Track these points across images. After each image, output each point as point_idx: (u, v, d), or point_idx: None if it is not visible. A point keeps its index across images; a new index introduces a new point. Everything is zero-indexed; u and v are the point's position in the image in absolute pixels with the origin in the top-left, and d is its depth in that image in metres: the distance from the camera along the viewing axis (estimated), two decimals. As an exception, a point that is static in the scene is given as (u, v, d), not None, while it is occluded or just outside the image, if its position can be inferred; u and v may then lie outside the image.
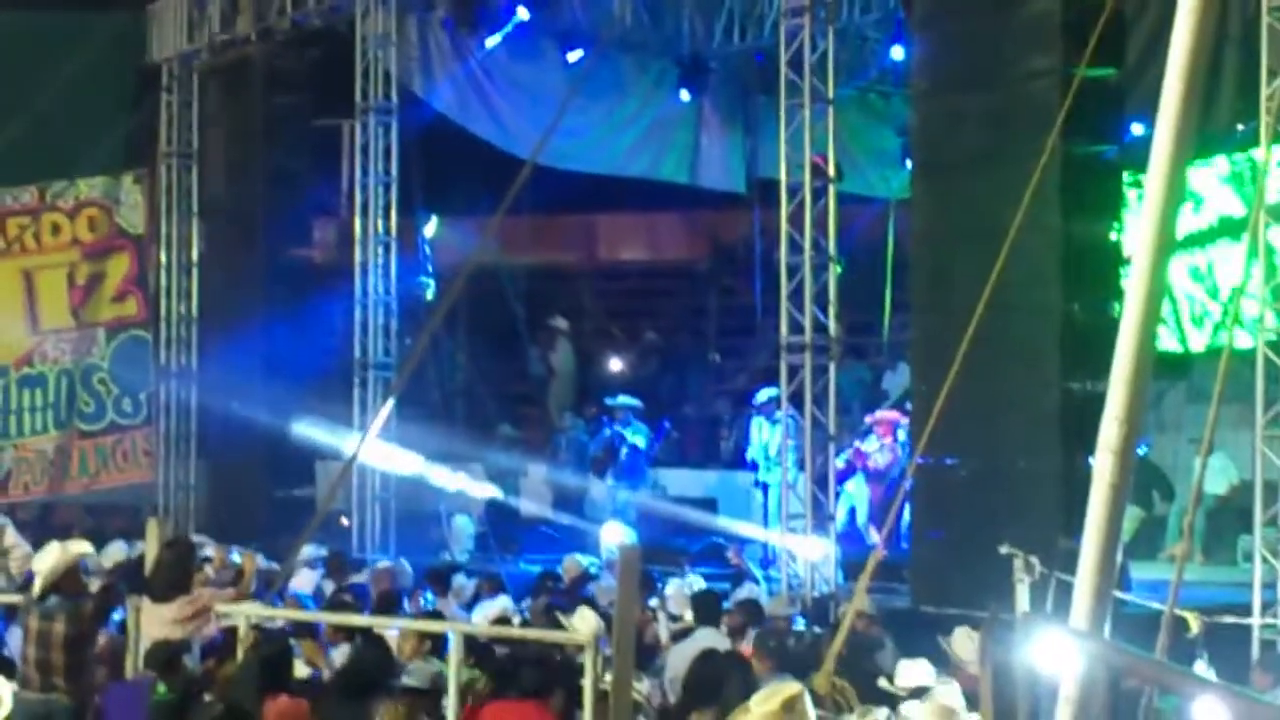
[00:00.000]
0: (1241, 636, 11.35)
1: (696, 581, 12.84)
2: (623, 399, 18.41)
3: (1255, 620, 11.58)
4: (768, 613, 11.60)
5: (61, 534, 11.99)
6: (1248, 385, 11.89)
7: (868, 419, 16.74)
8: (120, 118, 19.99)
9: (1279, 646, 11.52)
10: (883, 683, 8.30)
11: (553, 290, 23.76)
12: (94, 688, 9.10)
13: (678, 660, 9.88)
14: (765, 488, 16.05)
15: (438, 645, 9.20)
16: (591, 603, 10.81)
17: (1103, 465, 4.55)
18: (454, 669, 8.11)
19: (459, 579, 13.14)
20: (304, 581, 12.27)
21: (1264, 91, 11.70)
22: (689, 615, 11.05)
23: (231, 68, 18.80)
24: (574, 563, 13.52)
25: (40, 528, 16.07)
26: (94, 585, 10.21)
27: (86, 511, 18.66)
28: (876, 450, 16.23)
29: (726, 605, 11.41)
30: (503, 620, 10.42)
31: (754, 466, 16.59)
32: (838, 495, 16.24)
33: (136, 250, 19.24)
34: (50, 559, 9.27)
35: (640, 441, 17.86)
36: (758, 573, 14.83)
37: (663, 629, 11.08)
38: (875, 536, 16.03)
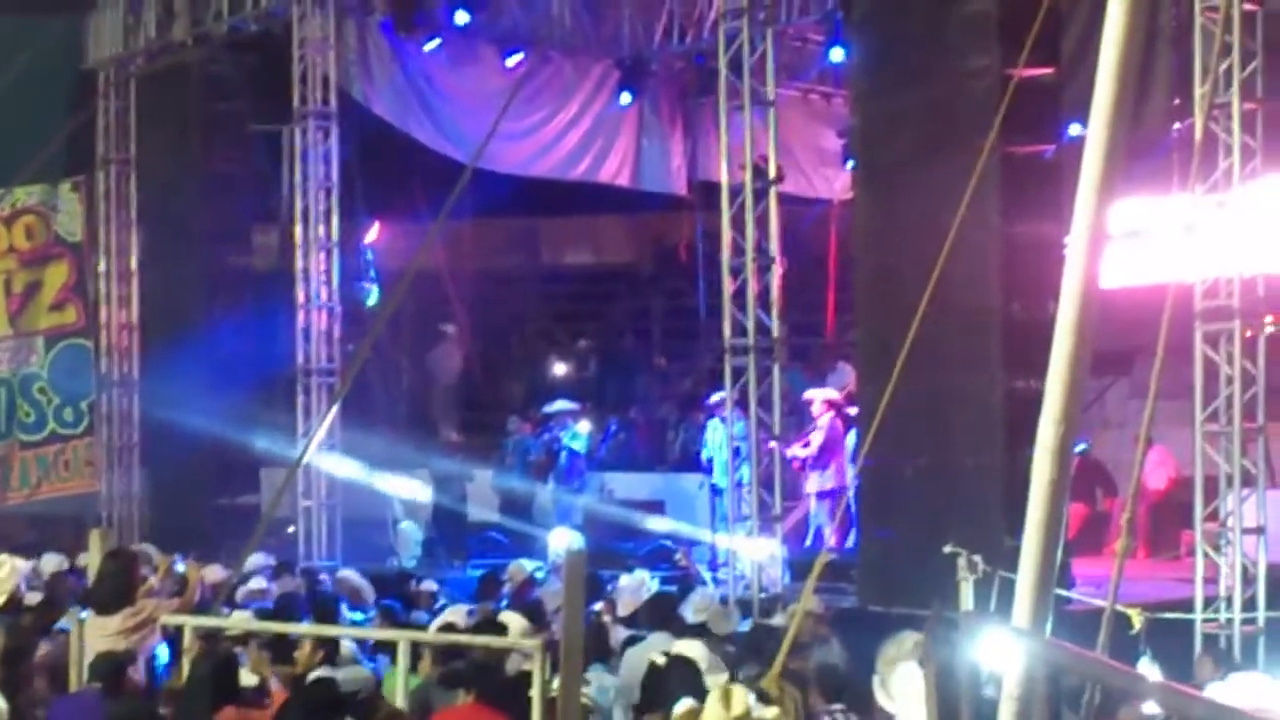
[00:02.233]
0: (1185, 631, 11.46)
1: (642, 575, 12.78)
2: (560, 404, 18.40)
3: (1198, 615, 11.69)
4: (713, 631, 11.51)
5: (1, 546, 11.89)
6: (1188, 381, 12.02)
7: (805, 395, 16.59)
8: (57, 125, 19.79)
9: (1222, 641, 11.64)
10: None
11: (496, 294, 23.73)
12: (34, 701, 9.00)
13: (632, 665, 9.89)
14: (717, 490, 16.04)
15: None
16: (537, 607, 10.78)
17: (1041, 464, 4.57)
18: (401, 676, 8.08)
19: (427, 584, 13.17)
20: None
21: (1198, 91, 11.82)
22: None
23: (168, 73, 18.64)
24: (519, 568, 13.50)
25: (-20, 540, 15.87)
26: (33, 598, 10.11)
27: (29, 523, 18.46)
28: (816, 431, 16.18)
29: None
30: (451, 626, 10.36)
31: (708, 469, 16.57)
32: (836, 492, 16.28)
33: (75, 258, 19.08)
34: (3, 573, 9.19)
35: (578, 445, 17.83)
36: (707, 575, 14.83)
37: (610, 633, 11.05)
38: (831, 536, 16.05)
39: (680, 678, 7.62)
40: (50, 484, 18.64)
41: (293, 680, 8.83)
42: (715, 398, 16.30)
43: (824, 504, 16.10)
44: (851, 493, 15.99)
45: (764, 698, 6.96)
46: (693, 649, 8.31)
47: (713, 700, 6.03)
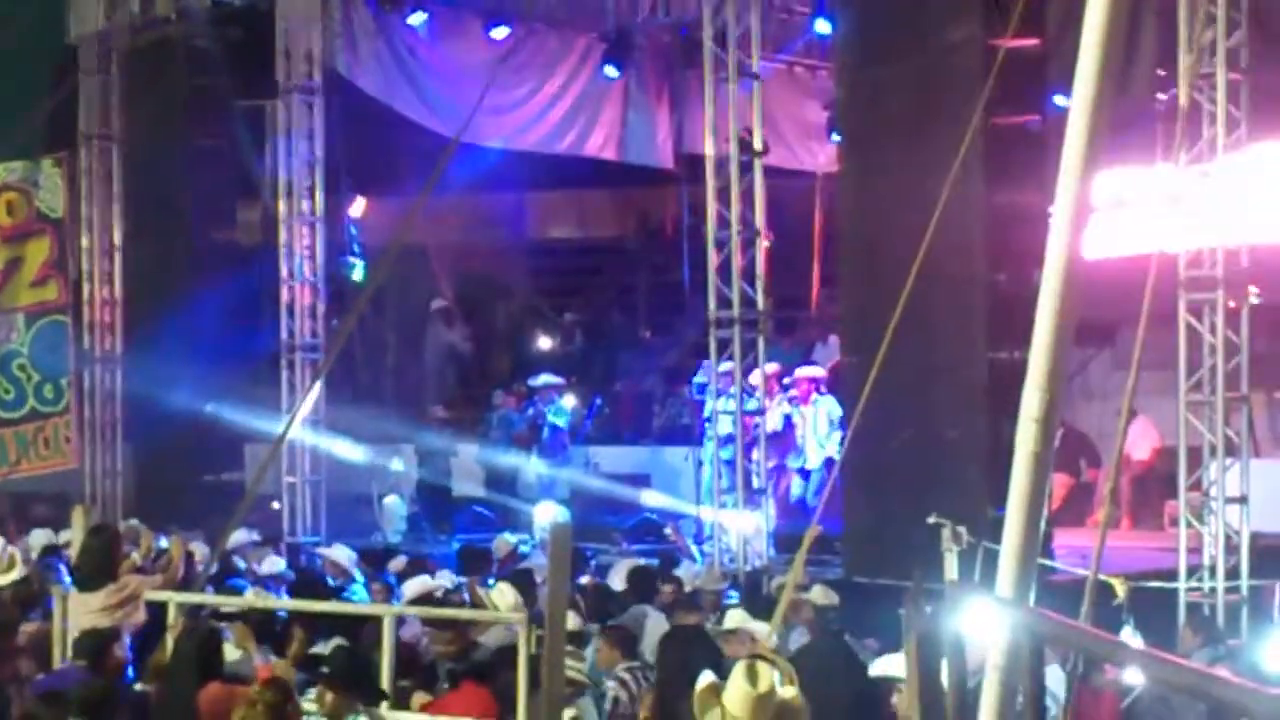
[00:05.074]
0: (1169, 601, 11.49)
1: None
2: (545, 377, 18.35)
3: (1181, 585, 11.72)
4: (699, 586, 11.63)
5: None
6: (1172, 352, 12.04)
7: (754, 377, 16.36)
8: (39, 100, 19.65)
9: (1205, 610, 11.68)
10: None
11: (482, 269, 23.67)
12: (19, 678, 8.97)
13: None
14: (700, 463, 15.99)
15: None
16: (526, 578, 10.77)
17: (1025, 433, 4.57)
18: (386, 653, 8.06)
19: (396, 561, 13.14)
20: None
21: (1182, 62, 11.80)
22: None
23: (151, 48, 18.54)
24: (503, 542, 13.51)
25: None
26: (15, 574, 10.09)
27: (11, 500, 18.40)
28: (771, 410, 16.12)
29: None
30: (427, 598, 10.37)
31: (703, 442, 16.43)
32: (782, 468, 16.26)
33: (56, 234, 18.95)
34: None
35: (560, 420, 17.80)
36: (695, 550, 14.81)
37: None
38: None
39: (704, 649, 7.61)
40: (30, 462, 18.51)
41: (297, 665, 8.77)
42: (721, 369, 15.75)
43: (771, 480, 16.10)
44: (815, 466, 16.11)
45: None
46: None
47: (738, 676, 5.99)
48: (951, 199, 8.89)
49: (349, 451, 16.95)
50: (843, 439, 15.61)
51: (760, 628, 9.01)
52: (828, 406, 16.21)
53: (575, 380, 19.97)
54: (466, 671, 8.12)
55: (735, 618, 9.35)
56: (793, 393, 16.50)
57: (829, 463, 15.89)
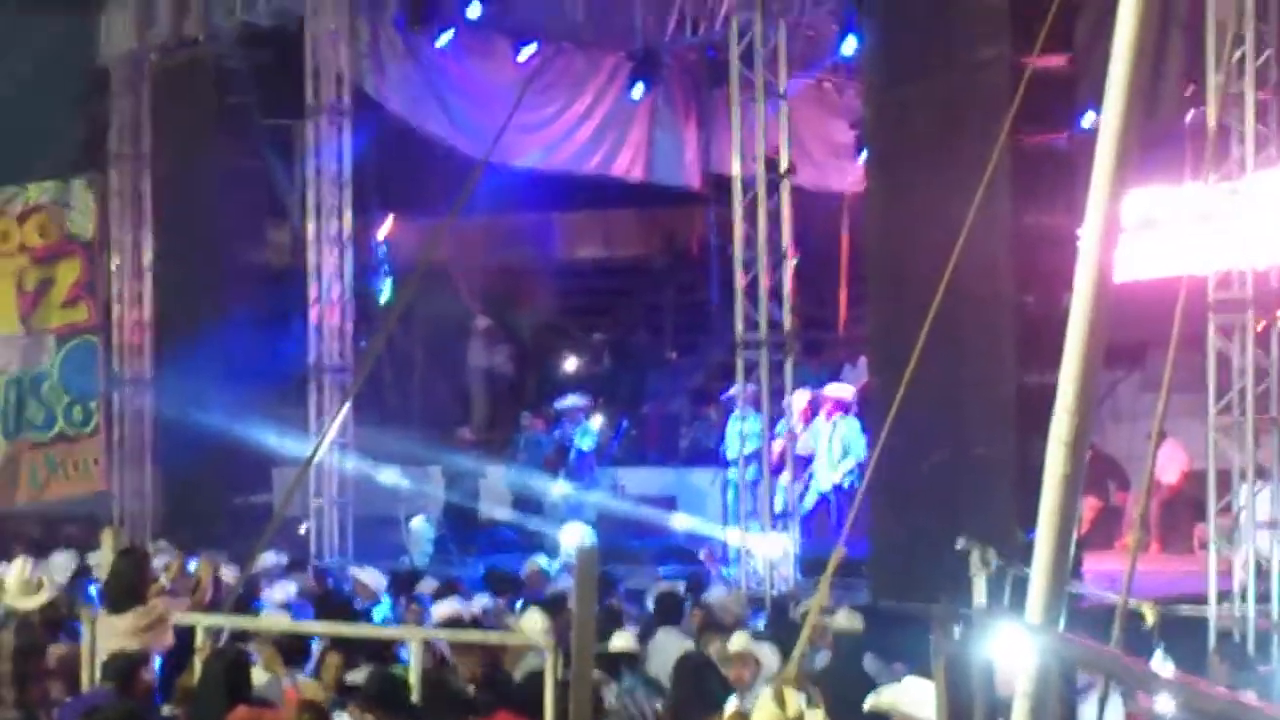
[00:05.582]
0: (1199, 626, 11.40)
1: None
2: (571, 399, 18.33)
3: (1211, 609, 11.62)
4: (723, 605, 11.57)
5: (11, 546, 11.87)
6: (1201, 374, 11.96)
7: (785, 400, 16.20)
8: (70, 121, 19.77)
9: (1235, 635, 11.57)
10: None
11: (508, 289, 23.67)
12: (48, 701, 8.98)
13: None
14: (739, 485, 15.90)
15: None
16: (559, 601, 10.73)
17: (1055, 457, 4.52)
18: (415, 675, 8.04)
19: (428, 582, 13.12)
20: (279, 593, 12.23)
21: (1211, 81, 11.75)
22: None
23: (181, 69, 18.64)
24: (534, 565, 13.48)
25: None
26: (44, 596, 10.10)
27: (40, 521, 18.45)
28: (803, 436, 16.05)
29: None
30: (456, 621, 10.34)
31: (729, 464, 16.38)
32: (807, 487, 16.18)
33: (87, 255, 19.06)
34: (15, 571, 9.19)
35: (586, 444, 17.75)
36: (727, 574, 14.75)
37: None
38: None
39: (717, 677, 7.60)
40: (58, 483, 18.58)
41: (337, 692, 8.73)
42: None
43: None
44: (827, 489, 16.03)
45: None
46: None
47: (765, 700, 5.97)
48: (978, 219, 8.83)
49: (377, 473, 16.95)
50: (856, 466, 15.59)
51: (765, 650, 8.95)
52: (844, 430, 16.12)
53: (602, 401, 19.95)
54: (501, 700, 8.08)
55: (740, 641, 9.29)
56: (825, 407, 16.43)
57: (839, 490, 15.84)
